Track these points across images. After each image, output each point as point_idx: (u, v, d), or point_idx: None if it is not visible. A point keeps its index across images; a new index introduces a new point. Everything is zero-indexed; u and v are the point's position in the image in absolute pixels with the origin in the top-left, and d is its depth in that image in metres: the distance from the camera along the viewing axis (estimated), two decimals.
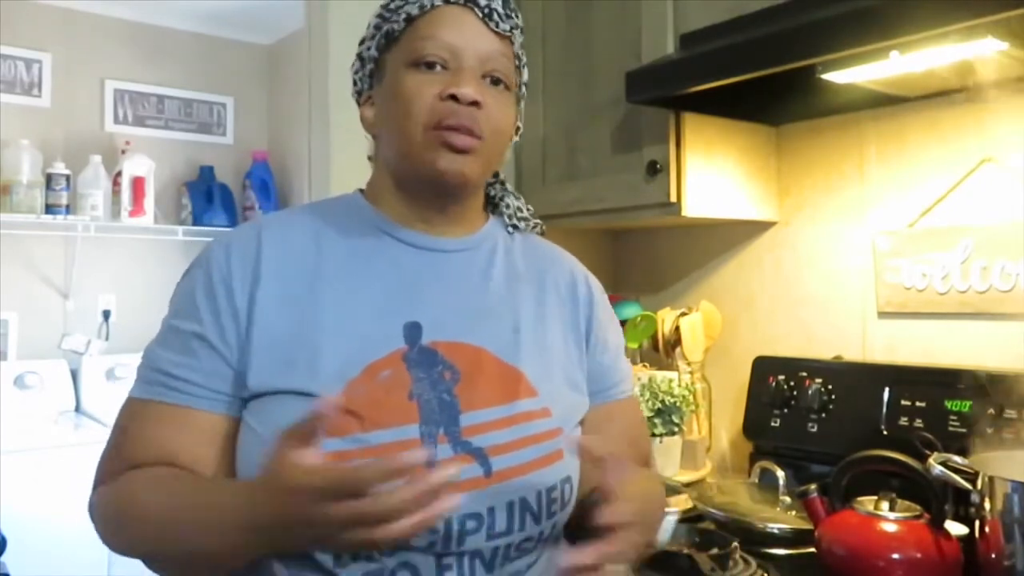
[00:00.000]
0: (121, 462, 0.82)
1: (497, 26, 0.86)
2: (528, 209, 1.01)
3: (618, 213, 1.63)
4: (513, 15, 0.88)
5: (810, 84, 1.31)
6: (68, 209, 2.80)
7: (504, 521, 0.78)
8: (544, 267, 0.97)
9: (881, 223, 1.55)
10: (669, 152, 1.51)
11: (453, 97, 0.81)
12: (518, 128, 0.96)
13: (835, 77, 1.27)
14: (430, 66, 0.83)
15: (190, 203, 3.13)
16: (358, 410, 0.76)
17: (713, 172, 1.58)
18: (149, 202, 2.95)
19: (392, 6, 0.88)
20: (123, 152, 2.97)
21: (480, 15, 0.85)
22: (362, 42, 0.92)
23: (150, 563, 0.82)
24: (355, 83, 0.93)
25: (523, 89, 0.95)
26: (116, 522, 0.82)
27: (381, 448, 0.75)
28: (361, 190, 0.95)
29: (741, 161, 1.64)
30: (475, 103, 0.82)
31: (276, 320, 0.80)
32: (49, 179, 2.78)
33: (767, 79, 1.25)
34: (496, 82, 0.86)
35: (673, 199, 1.51)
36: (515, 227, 0.99)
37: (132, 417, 0.83)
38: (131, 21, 3.14)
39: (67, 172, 2.81)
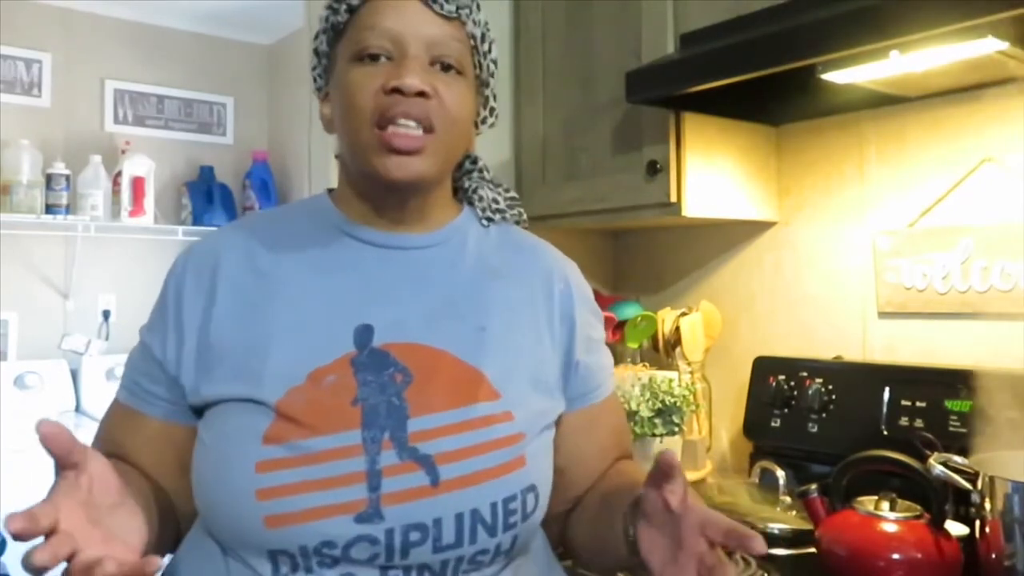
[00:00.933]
0: None
1: (442, 8, 0.80)
2: (508, 200, 0.95)
3: (618, 213, 1.63)
4: None
5: (810, 84, 1.31)
6: (68, 209, 2.80)
7: (452, 533, 0.74)
8: (520, 261, 0.91)
9: (881, 223, 1.55)
10: (669, 152, 1.51)
11: (397, 90, 0.77)
12: (493, 109, 0.91)
13: (835, 77, 1.27)
14: (374, 58, 0.79)
15: (190, 203, 3.13)
16: (299, 417, 0.74)
17: (713, 172, 1.58)
18: (149, 202, 2.95)
19: None
20: (123, 152, 2.97)
21: None
22: (316, 37, 0.87)
23: None
24: (314, 80, 0.90)
25: (491, 68, 0.88)
26: None
27: (322, 455, 0.73)
28: (331, 190, 0.92)
29: (741, 161, 1.64)
30: (422, 93, 0.77)
31: (230, 332, 0.79)
32: (49, 179, 2.78)
33: (767, 79, 1.25)
34: (447, 68, 0.81)
35: (673, 199, 1.51)
36: (489, 219, 0.93)
37: (106, 414, 0.88)
38: (131, 21, 3.14)
39: (67, 172, 2.81)
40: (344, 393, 0.76)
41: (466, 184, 0.94)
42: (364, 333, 0.79)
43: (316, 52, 0.88)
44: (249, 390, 0.76)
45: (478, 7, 0.85)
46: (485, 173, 0.95)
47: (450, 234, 0.89)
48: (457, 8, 0.81)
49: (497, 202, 0.94)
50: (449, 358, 0.80)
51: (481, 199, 0.93)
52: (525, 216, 0.98)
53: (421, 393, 0.77)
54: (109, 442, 0.85)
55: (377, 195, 0.84)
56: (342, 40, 0.83)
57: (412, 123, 0.77)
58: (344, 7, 0.82)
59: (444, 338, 0.81)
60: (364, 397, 0.76)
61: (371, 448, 0.74)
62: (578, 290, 0.93)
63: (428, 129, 0.78)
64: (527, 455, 0.80)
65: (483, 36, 0.86)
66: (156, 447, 0.83)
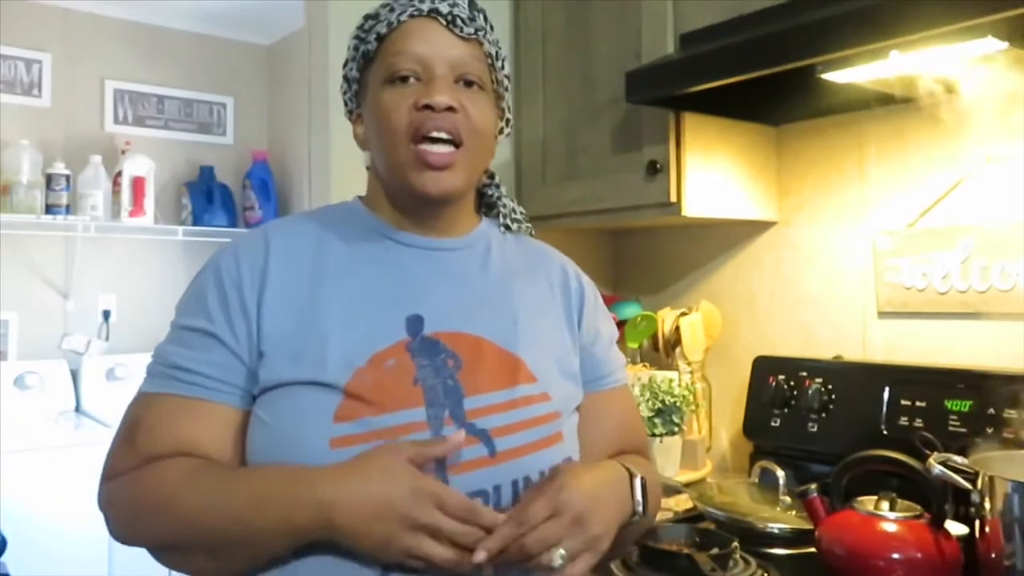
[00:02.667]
0: (136, 454, 0.84)
1: (462, 31, 0.90)
2: (521, 212, 1.06)
3: (618, 213, 1.64)
4: (477, 16, 0.92)
5: (810, 84, 1.31)
6: (68, 209, 2.80)
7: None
8: (537, 263, 1.02)
9: (881, 223, 1.55)
10: (669, 152, 1.51)
11: (428, 107, 0.86)
12: (508, 120, 1.01)
13: (835, 77, 1.27)
14: (404, 80, 0.88)
15: (190, 203, 3.13)
16: (367, 396, 0.81)
17: (713, 172, 1.58)
18: (149, 202, 2.94)
19: (366, 26, 0.93)
20: (123, 152, 2.97)
21: (444, 23, 0.89)
22: (345, 64, 0.96)
23: (170, 554, 0.84)
24: (345, 103, 0.98)
25: (505, 83, 0.98)
26: (136, 513, 0.83)
27: (389, 431, 0.80)
28: (360, 197, 0.99)
29: (741, 161, 1.64)
30: (450, 108, 0.86)
31: (284, 320, 0.85)
32: (49, 179, 2.78)
33: (767, 79, 1.25)
34: (469, 84, 0.90)
35: (673, 199, 1.51)
36: (507, 227, 1.03)
37: (146, 410, 0.86)
38: (131, 21, 3.14)
39: (67, 172, 2.81)
40: (404, 375, 0.83)
41: (490, 193, 1.04)
42: (415, 322, 0.87)
43: (346, 79, 0.97)
44: (313, 373, 0.81)
45: (492, 28, 0.95)
46: (502, 188, 1.05)
47: (477, 238, 0.98)
48: (475, 30, 0.91)
49: (515, 212, 1.05)
50: (489, 345, 0.89)
51: (505, 206, 1.04)
52: (533, 231, 1.08)
53: (471, 375, 0.86)
54: (169, 432, 0.83)
55: (413, 206, 0.93)
56: (373, 66, 0.92)
57: (444, 134, 0.87)
58: (374, 36, 0.91)
59: (483, 328, 0.90)
60: (423, 378, 0.84)
61: (435, 424, 0.82)
62: (589, 290, 1.04)
63: (458, 144, 0.87)
64: (564, 432, 0.90)
65: (497, 54, 0.95)
66: (235, 437, 0.85)
